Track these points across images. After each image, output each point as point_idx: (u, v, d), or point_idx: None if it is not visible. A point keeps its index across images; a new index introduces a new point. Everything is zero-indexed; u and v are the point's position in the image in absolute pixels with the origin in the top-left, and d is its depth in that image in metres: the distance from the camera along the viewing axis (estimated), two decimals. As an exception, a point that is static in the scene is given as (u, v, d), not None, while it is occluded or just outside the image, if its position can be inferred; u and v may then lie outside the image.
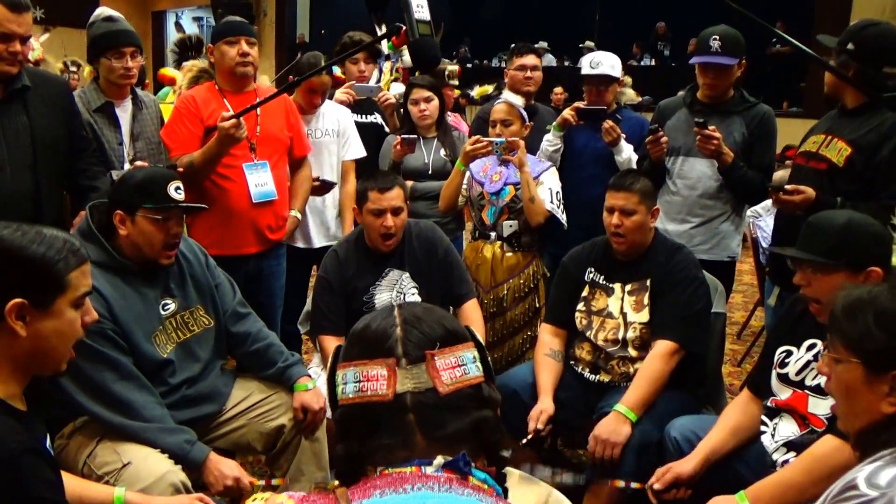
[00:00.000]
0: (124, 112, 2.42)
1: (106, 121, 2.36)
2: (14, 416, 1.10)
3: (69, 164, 2.10)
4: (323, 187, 2.69)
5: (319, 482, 1.85)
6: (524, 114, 2.62)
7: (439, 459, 0.75)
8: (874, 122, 2.07)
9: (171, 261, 1.79)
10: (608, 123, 2.61)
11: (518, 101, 2.64)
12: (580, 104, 2.74)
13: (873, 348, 1.07)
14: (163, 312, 1.78)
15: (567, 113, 2.70)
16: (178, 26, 11.77)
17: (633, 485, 1.77)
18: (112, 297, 1.67)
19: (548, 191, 2.52)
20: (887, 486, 0.94)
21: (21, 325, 1.10)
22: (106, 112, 2.36)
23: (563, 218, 2.51)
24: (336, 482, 0.79)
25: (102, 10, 2.46)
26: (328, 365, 0.84)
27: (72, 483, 1.44)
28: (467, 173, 2.62)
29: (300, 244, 2.80)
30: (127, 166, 2.31)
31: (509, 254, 2.56)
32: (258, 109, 2.31)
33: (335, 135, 2.84)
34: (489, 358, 0.83)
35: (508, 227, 2.55)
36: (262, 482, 1.77)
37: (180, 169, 2.19)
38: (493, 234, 2.57)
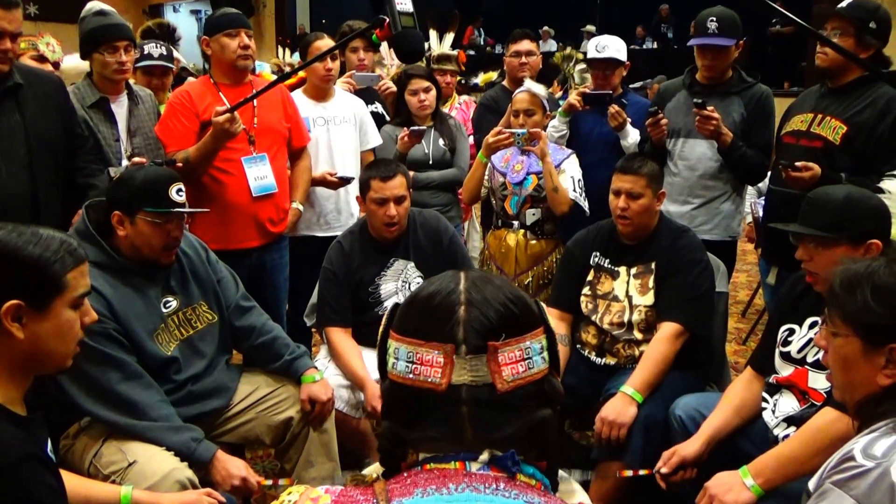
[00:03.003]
0: (120, 107, 2.38)
1: (101, 117, 2.33)
2: (14, 421, 1.09)
3: (66, 163, 2.06)
4: (340, 183, 2.66)
5: (349, 477, 1.85)
6: (546, 103, 2.60)
7: (485, 455, 0.70)
8: (866, 99, 2.11)
9: (171, 260, 1.78)
10: (614, 108, 2.61)
11: (541, 90, 2.61)
12: (586, 89, 2.73)
13: (871, 322, 1.08)
14: (164, 310, 1.77)
15: (573, 98, 2.70)
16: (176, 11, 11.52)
17: (641, 472, 1.78)
18: (112, 296, 1.66)
19: (570, 179, 2.50)
20: (882, 455, 0.97)
21: (18, 328, 1.09)
22: (101, 108, 2.33)
23: (585, 205, 2.51)
24: (373, 475, 0.75)
25: (94, 5, 2.41)
26: (381, 326, 0.77)
27: (77, 483, 1.44)
28: (489, 164, 2.60)
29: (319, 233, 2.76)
30: (125, 162, 2.29)
31: (533, 241, 2.56)
32: (254, 101, 2.30)
33: (352, 124, 2.81)
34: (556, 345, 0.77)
35: (531, 215, 2.54)
36: (270, 482, 1.76)
37: (179, 164, 2.18)
38: (515, 223, 2.57)
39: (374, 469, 0.81)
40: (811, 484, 1.09)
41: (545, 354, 0.73)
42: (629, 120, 2.64)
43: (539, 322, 0.74)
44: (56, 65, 2.94)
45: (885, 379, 1.07)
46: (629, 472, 1.80)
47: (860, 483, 0.96)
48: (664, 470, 1.72)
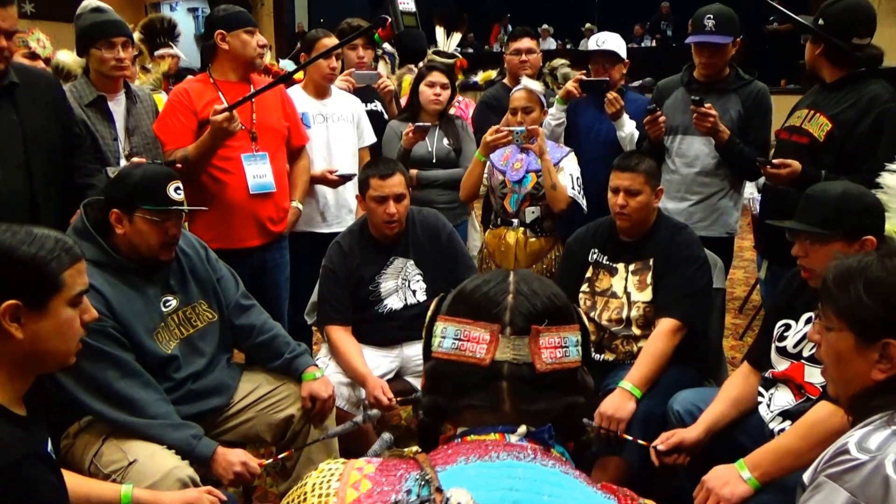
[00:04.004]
0: (118, 106, 2.37)
1: (99, 116, 2.31)
2: (14, 421, 1.09)
3: (64, 162, 2.06)
4: (341, 180, 2.66)
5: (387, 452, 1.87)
6: (543, 100, 2.62)
7: (523, 429, 0.75)
8: (853, 97, 2.13)
9: (169, 256, 1.78)
10: (612, 94, 2.62)
11: (537, 86, 2.63)
12: (583, 76, 2.73)
13: (864, 317, 1.08)
14: (164, 309, 1.77)
15: (570, 85, 2.71)
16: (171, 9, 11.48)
17: (640, 441, 1.81)
18: (111, 294, 1.66)
19: (569, 177, 2.52)
20: (877, 449, 0.97)
21: (17, 328, 1.09)
22: (99, 107, 2.32)
23: (583, 203, 2.53)
24: (414, 448, 0.79)
25: (90, 2, 2.39)
26: (429, 313, 0.82)
27: (78, 482, 1.44)
28: (487, 163, 2.61)
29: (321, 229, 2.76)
30: (123, 162, 2.28)
31: (532, 239, 2.57)
32: (252, 100, 2.30)
33: (350, 122, 2.82)
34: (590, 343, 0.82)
35: (531, 213, 2.56)
36: (270, 460, 1.78)
37: (178, 166, 2.18)
38: (515, 221, 2.58)
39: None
40: (806, 477, 1.09)
41: (579, 348, 0.79)
42: (627, 114, 2.64)
43: (576, 320, 0.81)
44: (47, 61, 2.93)
45: (878, 373, 1.07)
46: (629, 438, 1.83)
47: (855, 476, 0.97)
48: (661, 447, 1.74)
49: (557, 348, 0.77)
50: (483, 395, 0.76)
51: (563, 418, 0.78)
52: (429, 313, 0.82)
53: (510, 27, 12.16)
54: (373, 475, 0.73)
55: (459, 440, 0.76)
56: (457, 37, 3.63)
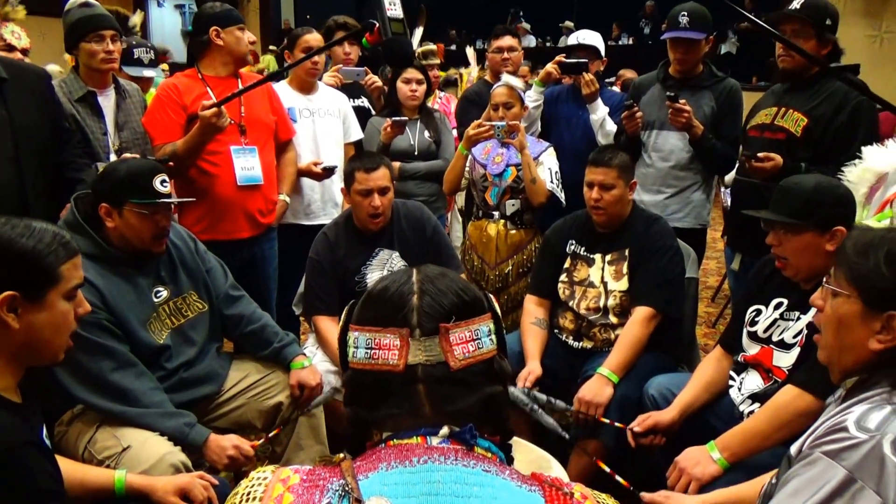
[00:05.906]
0: (107, 101, 2.38)
1: (89, 111, 2.32)
2: (9, 408, 1.12)
3: (53, 157, 2.06)
4: (325, 173, 2.70)
5: (318, 458, 1.91)
6: (523, 96, 2.68)
7: (445, 430, 0.74)
8: (824, 93, 2.21)
9: (162, 249, 1.80)
10: (588, 76, 2.69)
11: (518, 83, 2.69)
12: (562, 58, 2.79)
13: (877, 286, 1.07)
14: (155, 300, 1.80)
15: (550, 66, 2.77)
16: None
17: (617, 424, 1.88)
18: (104, 286, 1.68)
19: (548, 171, 2.59)
20: (876, 428, 0.97)
21: (13, 318, 1.12)
22: (88, 102, 2.33)
23: (562, 196, 2.60)
24: (341, 455, 0.79)
25: None
26: (340, 322, 0.82)
27: (72, 468, 1.46)
28: (469, 156, 2.68)
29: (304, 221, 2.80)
30: (113, 157, 2.29)
31: (513, 231, 2.64)
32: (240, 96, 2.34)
33: (337, 117, 2.86)
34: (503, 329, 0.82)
35: (511, 206, 2.62)
36: (262, 440, 1.82)
37: (171, 164, 2.20)
38: (496, 214, 2.65)
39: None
40: (793, 449, 1.10)
41: (493, 337, 0.79)
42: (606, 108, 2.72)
43: (487, 310, 0.81)
44: (25, 52, 2.91)
45: (876, 343, 1.07)
46: (606, 421, 1.90)
47: (853, 455, 0.96)
48: (637, 429, 1.82)
49: (470, 342, 0.77)
50: (402, 401, 0.76)
51: (486, 411, 0.78)
52: (340, 323, 0.82)
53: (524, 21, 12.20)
54: (296, 487, 0.72)
55: (383, 445, 0.75)
56: (419, 31, 3.68)
